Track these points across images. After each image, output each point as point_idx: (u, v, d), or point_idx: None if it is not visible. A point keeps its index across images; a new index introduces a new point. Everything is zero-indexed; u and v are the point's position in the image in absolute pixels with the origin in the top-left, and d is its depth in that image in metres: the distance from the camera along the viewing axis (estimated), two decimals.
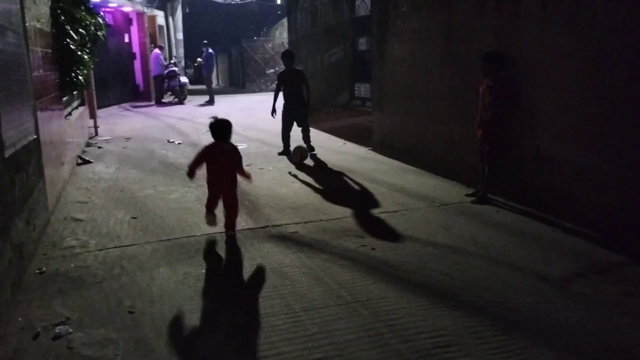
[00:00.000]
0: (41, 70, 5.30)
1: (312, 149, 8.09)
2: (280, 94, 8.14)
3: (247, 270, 3.75)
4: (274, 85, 22.58)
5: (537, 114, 4.87)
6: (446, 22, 6.08)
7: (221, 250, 4.16)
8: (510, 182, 5.29)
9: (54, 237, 4.50)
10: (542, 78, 4.79)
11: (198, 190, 6.01)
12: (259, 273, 3.70)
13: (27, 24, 4.63)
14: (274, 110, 8.12)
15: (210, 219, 4.50)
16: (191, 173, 4.46)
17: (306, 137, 8.13)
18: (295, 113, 7.96)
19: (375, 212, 5.10)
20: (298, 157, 7.45)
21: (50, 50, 6.00)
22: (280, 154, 8.10)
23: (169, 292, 3.43)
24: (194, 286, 3.50)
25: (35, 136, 4.55)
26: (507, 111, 5.12)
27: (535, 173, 4.97)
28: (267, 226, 4.71)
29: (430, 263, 3.83)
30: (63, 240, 4.41)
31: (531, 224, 4.64)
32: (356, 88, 12.47)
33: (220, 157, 4.53)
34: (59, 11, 6.59)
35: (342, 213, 5.07)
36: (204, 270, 3.75)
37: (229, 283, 3.55)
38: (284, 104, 8.04)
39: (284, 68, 8.20)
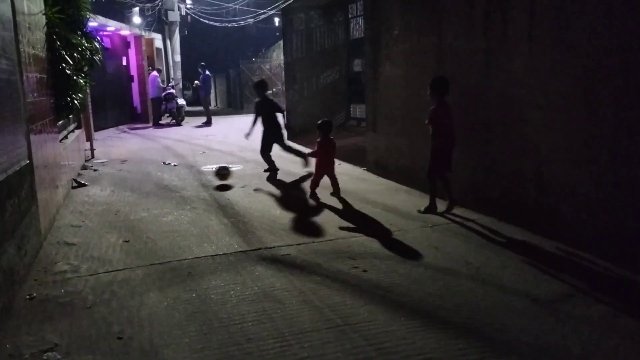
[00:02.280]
0: (35, 95, 5.36)
1: (302, 154, 8.39)
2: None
3: (238, 294, 3.74)
4: None
5: (526, 134, 4.91)
6: (437, 44, 6.16)
7: (213, 273, 4.16)
8: (501, 202, 5.31)
9: (45, 261, 4.50)
10: (530, 99, 4.84)
11: (192, 212, 6.03)
12: (250, 297, 3.69)
13: (21, 51, 4.70)
14: (249, 134, 8.79)
15: (316, 198, 6.51)
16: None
17: (287, 149, 8.66)
18: (273, 138, 8.53)
19: (369, 233, 5.10)
20: (219, 176, 7.71)
21: (45, 76, 6.06)
22: (266, 171, 8.54)
23: (159, 317, 3.42)
24: (184, 311, 3.49)
25: (28, 161, 4.57)
26: (436, 130, 5.51)
27: (524, 193, 4.99)
28: (260, 248, 4.71)
29: (421, 285, 3.83)
30: (55, 265, 4.41)
31: (522, 244, 4.64)
32: (352, 109, 12.58)
33: (329, 146, 6.64)
34: (54, 37, 6.68)
35: (335, 234, 5.08)
36: (194, 295, 3.74)
37: (219, 307, 3.54)
38: (263, 131, 8.58)
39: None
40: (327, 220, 5.60)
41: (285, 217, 5.76)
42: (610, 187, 4.15)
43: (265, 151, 8.55)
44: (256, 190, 7.17)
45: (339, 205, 6.22)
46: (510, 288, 3.75)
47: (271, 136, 8.50)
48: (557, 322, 3.24)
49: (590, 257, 4.25)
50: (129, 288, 3.91)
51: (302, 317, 3.37)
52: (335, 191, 6.63)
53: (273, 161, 8.56)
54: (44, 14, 6.36)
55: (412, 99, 6.74)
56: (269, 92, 22.91)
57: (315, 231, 5.20)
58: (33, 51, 5.43)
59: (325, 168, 6.62)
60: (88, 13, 8.40)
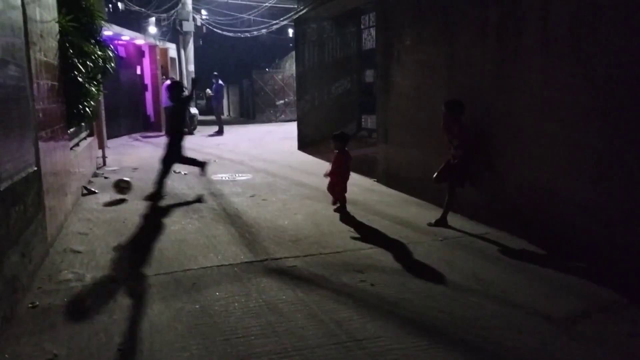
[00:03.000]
0: (46, 102, 5.36)
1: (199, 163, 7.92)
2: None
3: (242, 306, 3.67)
4: (283, 116, 22.97)
5: (541, 147, 4.80)
6: (449, 54, 6.09)
7: (218, 284, 4.09)
8: (513, 216, 5.20)
9: (50, 269, 4.46)
10: (545, 111, 4.74)
11: (199, 221, 5.98)
12: (254, 310, 3.62)
13: (31, 58, 4.70)
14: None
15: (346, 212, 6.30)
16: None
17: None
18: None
19: (377, 245, 5.01)
20: (117, 189, 7.42)
21: (56, 83, 6.08)
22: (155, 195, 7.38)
23: (161, 329, 3.35)
24: (187, 323, 3.42)
25: (35, 168, 4.56)
26: (472, 148, 5.54)
27: (537, 208, 4.87)
28: (266, 259, 4.64)
29: (430, 300, 3.72)
30: (59, 273, 4.37)
31: (534, 260, 4.52)
32: (363, 119, 12.51)
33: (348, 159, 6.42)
34: (67, 45, 6.72)
35: (343, 246, 4.99)
36: (198, 306, 3.67)
37: (223, 320, 3.46)
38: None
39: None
40: (335, 231, 5.51)
41: (293, 227, 5.69)
42: (627, 204, 4.03)
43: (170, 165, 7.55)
44: (264, 200, 7.11)
45: (348, 217, 6.13)
46: (523, 305, 3.63)
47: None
48: (572, 342, 3.12)
49: (606, 274, 4.11)
50: (133, 298, 3.85)
51: (307, 332, 3.28)
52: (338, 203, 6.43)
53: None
54: (57, 22, 6.39)
55: (424, 110, 6.66)
56: (284, 100, 23.14)
57: (323, 243, 5.12)
58: (45, 58, 5.45)
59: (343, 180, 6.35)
60: (102, 22, 8.46)
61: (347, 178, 6.39)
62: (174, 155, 7.58)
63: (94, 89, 7.90)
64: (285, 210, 6.51)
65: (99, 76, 8.40)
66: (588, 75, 4.29)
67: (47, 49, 5.65)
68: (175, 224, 5.91)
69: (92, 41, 8.07)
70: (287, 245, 5.06)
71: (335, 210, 6.32)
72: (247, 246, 5.03)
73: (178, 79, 21.11)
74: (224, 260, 4.61)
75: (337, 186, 6.37)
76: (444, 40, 6.15)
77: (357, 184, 8.18)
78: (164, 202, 7.04)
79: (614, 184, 4.13)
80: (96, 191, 7.82)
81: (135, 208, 6.72)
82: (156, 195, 7.27)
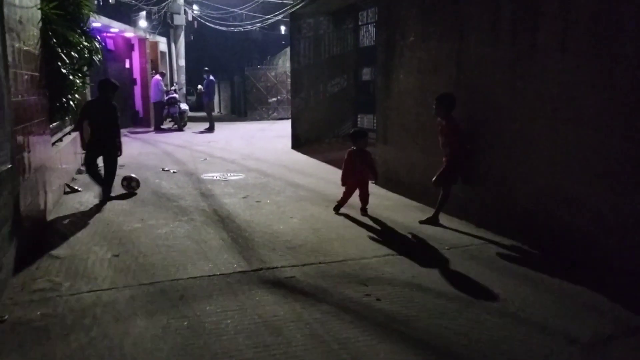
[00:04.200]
0: (24, 95, 4.96)
1: (110, 197, 6.78)
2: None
3: (236, 323, 3.31)
4: (275, 114, 22.58)
5: (555, 149, 4.49)
6: (457, 52, 5.76)
7: (208, 297, 3.72)
8: (525, 224, 4.88)
9: (25, 277, 4.08)
10: (562, 112, 4.42)
11: (189, 224, 5.61)
12: (249, 328, 3.26)
13: (7, 45, 4.30)
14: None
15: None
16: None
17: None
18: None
19: (380, 254, 4.67)
20: (126, 186, 7.19)
21: (37, 74, 5.66)
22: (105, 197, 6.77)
23: (144, 349, 2.99)
24: (173, 343, 3.06)
25: (10, 165, 4.17)
26: (461, 146, 5.40)
27: (553, 216, 4.56)
28: (261, 269, 4.28)
29: (443, 319, 3.39)
30: (34, 282, 3.98)
31: (551, 272, 4.19)
32: (359, 119, 12.16)
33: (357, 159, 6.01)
34: (50, 33, 6.30)
35: (344, 255, 4.65)
36: (186, 323, 3.31)
37: (214, 340, 3.11)
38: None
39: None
40: (334, 237, 5.17)
41: (289, 232, 5.33)
42: None
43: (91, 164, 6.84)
44: (257, 201, 6.74)
45: (348, 222, 5.78)
46: (544, 326, 3.31)
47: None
48: None
49: (632, 291, 3.80)
50: (113, 312, 3.48)
51: (307, 354, 2.94)
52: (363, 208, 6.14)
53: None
54: (39, 9, 5.97)
55: (427, 110, 6.32)
56: (277, 98, 22.71)
57: (323, 250, 4.77)
58: (24, 47, 5.04)
59: (355, 183, 6.12)
60: (89, 11, 8.04)
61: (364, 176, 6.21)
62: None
63: (78, 81, 7.49)
64: (280, 213, 6.15)
65: (85, 68, 8.01)
66: (611, 76, 3.98)
67: (27, 37, 5.23)
68: (163, 226, 5.53)
69: (78, 31, 7.67)
70: (284, 252, 4.70)
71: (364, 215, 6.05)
72: (240, 253, 4.67)
73: (168, 73, 20.67)
74: (215, 270, 4.24)
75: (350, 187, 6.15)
76: (452, 37, 5.82)
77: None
78: (152, 203, 6.65)
79: (636, 188, 3.82)
80: (79, 189, 7.41)
81: (120, 209, 6.33)
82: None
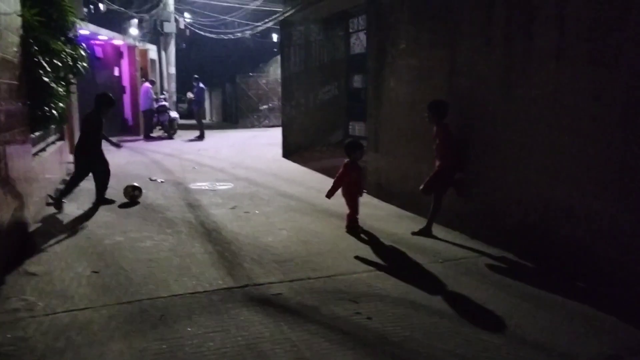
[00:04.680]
0: (2, 104, 4.76)
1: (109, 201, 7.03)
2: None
3: (218, 346, 3.12)
4: (267, 121, 22.42)
5: (551, 159, 4.35)
6: (449, 59, 5.63)
7: (190, 316, 3.53)
8: (520, 237, 4.73)
9: None
10: (560, 120, 4.29)
11: (174, 237, 5.41)
12: (232, 351, 3.07)
13: None
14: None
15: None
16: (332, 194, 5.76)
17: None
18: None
19: (372, 268, 4.50)
20: (129, 196, 7.11)
21: (17, 83, 5.46)
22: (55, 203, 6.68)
23: None
24: None
25: None
26: (452, 151, 5.30)
27: (549, 228, 4.41)
28: (247, 285, 4.09)
29: (438, 339, 3.21)
30: (7, 301, 3.77)
31: (550, 288, 4.04)
32: (350, 126, 12.02)
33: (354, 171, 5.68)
34: (31, 41, 6.11)
35: (334, 269, 4.47)
36: (165, 346, 3.11)
37: None
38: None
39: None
40: (324, 251, 4.99)
41: (278, 245, 5.15)
42: None
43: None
44: (246, 212, 6.56)
45: (338, 233, 5.61)
46: (544, 346, 3.15)
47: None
48: None
49: (632, 304, 3.65)
50: (89, 334, 3.28)
51: None
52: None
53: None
54: (19, 15, 5.79)
55: (420, 118, 6.18)
56: (269, 106, 22.57)
57: (312, 264, 4.58)
58: (1, 55, 4.85)
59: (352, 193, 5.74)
60: (74, 18, 7.86)
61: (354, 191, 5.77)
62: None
63: (61, 90, 7.29)
64: (269, 225, 5.97)
65: (70, 76, 7.82)
66: (608, 84, 3.85)
67: (5, 45, 5.04)
68: (146, 240, 5.33)
69: (62, 38, 7.49)
70: (272, 267, 4.51)
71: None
72: (226, 268, 4.48)
73: (158, 81, 20.49)
74: (199, 286, 4.05)
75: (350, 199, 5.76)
76: (444, 44, 5.69)
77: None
78: (136, 214, 6.45)
79: (636, 200, 3.68)
80: (63, 201, 7.18)
81: (103, 221, 6.12)
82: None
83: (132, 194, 7.15)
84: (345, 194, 5.74)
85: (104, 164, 7.07)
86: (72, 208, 6.77)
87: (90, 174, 7.03)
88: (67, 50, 7.35)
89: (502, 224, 4.97)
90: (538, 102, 4.48)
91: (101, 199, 7.06)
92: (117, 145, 7.74)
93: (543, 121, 4.44)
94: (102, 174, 7.07)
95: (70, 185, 6.95)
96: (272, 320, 3.46)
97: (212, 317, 3.51)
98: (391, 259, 4.77)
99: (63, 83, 7.38)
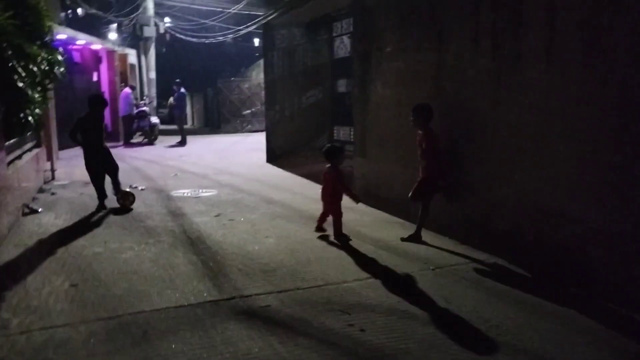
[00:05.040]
0: None
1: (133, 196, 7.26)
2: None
3: None
4: (250, 126, 22.22)
5: (542, 163, 4.28)
6: (436, 63, 5.55)
7: (175, 332, 3.37)
8: (512, 242, 4.66)
9: None
10: (548, 125, 4.22)
11: (156, 247, 5.23)
12: None
13: None
14: None
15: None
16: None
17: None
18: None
19: (362, 277, 4.38)
20: (128, 201, 7.07)
21: None
22: (98, 208, 6.97)
23: None
24: None
25: None
26: (436, 156, 5.22)
27: (541, 234, 4.34)
28: (234, 297, 3.94)
29: (434, 351, 3.10)
30: None
31: (544, 295, 3.95)
32: (335, 131, 11.91)
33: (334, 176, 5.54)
34: (5, 45, 5.88)
35: (323, 278, 4.33)
36: None
37: None
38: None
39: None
40: (313, 259, 4.85)
41: (264, 254, 5.00)
42: None
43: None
44: (231, 220, 6.39)
45: (326, 241, 5.48)
46: (541, 356, 3.05)
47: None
48: None
49: (629, 312, 3.58)
50: (67, 354, 3.10)
51: None
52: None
53: (106, 196, 7.19)
54: None
55: (407, 122, 6.08)
56: (251, 110, 22.36)
57: (301, 274, 4.45)
58: None
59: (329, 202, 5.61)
60: (51, 22, 7.64)
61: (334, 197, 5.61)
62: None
63: (38, 96, 7.06)
64: (254, 233, 5.81)
65: (47, 82, 7.58)
66: (600, 87, 3.79)
67: None
68: (127, 250, 5.14)
69: (38, 43, 7.27)
70: (259, 277, 4.36)
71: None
72: (211, 279, 4.32)
73: (138, 86, 20.18)
74: (183, 299, 3.88)
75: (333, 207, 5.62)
76: (432, 47, 5.61)
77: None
78: (116, 223, 6.24)
79: (630, 204, 3.62)
80: (39, 210, 6.94)
81: (82, 231, 5.90)
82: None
83: (125, 200, 7.08)
84: (324, 198, 5.67)
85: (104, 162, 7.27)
86: (50, 218, 6.54)
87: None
88: (43, 54, 7.14)
89: (493, 229, 4.90)
90: (527, 106, 4.41)
91: (117, 188, 7.29)
92: None
93: (532, 126, 4.37)
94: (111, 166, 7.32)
95: (98, 188, 7.15)
96: (261, 335, 3.32)
97: (197, 333, 3.35)
98: (381, 266, 4.65)
99: (39, 89, 7.15)
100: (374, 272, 4.51)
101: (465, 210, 5.24)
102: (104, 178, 7.22)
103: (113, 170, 7.33)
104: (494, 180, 4.86)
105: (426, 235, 5.41)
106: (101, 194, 7.14)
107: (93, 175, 7.16)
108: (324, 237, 5.55)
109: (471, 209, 5.16)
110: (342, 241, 5.41)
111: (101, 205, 7.05)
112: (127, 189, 7.33)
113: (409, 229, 5.69)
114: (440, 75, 5.52)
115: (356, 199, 5.62)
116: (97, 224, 6.26)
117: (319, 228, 5.75)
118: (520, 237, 4.57)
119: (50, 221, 6.39)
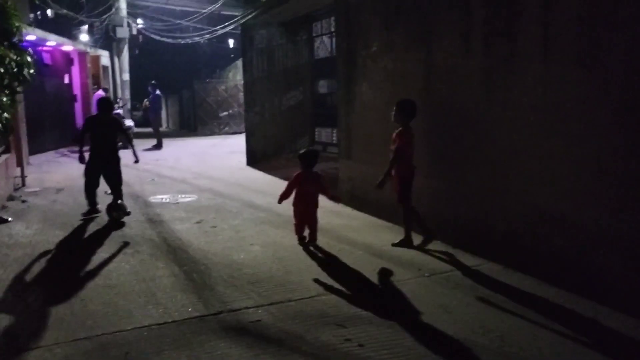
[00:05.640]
0: None
1: (124, 210, 6.58)
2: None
3: None
4: (227, 128, 21.85)
5: (539, 164, 4.15)
6: (424, 62, 5.40)
7: (159, 353, 3.11)
8: (508, 246, 4.51)
9: None
10: (545, 126, 4.09)
11: (135, 258, 4.95)
12: None
13: None
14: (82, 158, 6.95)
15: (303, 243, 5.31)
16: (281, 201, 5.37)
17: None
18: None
19: (356, 286, 4.18)
20: (117, 213, 6.40)
21: None
22: (85, 214, 6.66)
23: None
24: None
25: None
26: (406, 154, 5.03)
27: (540, 237, 4.21)
28: (221, 312, 3.70)
29: None
30: None
31: (546, 303, 3.81)
32: (317, 133, 11.73)
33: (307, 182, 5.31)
34: None
35: (315, 289, 4.12)
36: None
37: None
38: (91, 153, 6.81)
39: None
40: (302, 267, 4.64)
41: (251, 263, 4.77)
42: None
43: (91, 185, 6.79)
44: (213, 227, 6.13)
45: (315, 248, 5.27)
46: None
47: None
48: None
49: (634, 319, 3.46)
50: None
51: None
52: (311, 239, 5.38)
53: (96, 203, 6.83)
54: None
55: (394, 123, 5.93)
56: (228, 112, 21.99)
57: (290, 284, 4.23)
58: None
59: (302, 211, 5.38)
60: (19, 23, 7.27)
61: (311, 205, 5.40)
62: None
63: (5, 99, 6.70)
64: (239, 240, 5.57)
65: (16, 84, 7.22)
66: (601, 83, 3.67)
67: None
68: (104, 261, 4.85)
69: (6, 43, 6.91)
70: (246, 289, 4.13)
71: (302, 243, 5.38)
72: (195, 292, 4.07)
73: (111, 88, 19.67)
74: (166, 316, 3.62)
75: (294, 212, 5.46)
76: (420, 45, 5.45)
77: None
78: (91, 233, 5.93)
79: (636, 207, 3.50)
80: (9, 219, 6.57)
81: (54, 241, 5.58)
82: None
83: (117, 213, 6.42)
84: (309, 206, 5.39)
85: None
86: (20, 228, 6.19)
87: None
88: (11, 56, 6.79)
89: (487, 233, 4.75)
90: (522, 106, 4.28)
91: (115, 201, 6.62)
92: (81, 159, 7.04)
93: (528, 126, 4.24)
94: (113, 176, 6.82)
95: (87, 194, 6.78)
96: (253, 353, 3.09)
97: (183, 353, 3.11)
98: (374, 274, 4.45)
99: (7, 92, 6.79)
100: (367, 280, 4.32)
101: (457, 213, 5.09)
102: (96, 186, 6.80)
103: (114, 182, 6.79)
104: (487, 181, 4.71)
105: (415, 239, 5.23)
106: (90, 200, 6.78)
107: (86, 179, 6.76)
108: (308, 244, 5.33)
109: (463, 211, 5.02)
110: (316, 247, 5.24)
111: (89, 212, 6.68)
112: (119, 202, 6.66)
113: (397, 232, 5.52)
114: (428, 74, 5.37)
115: (339, 199, 5.59)
116: (72, 233, 5.93)
117: (302, 239, 5.41)
118: (518, 241, 4.43)
119: (20, 231, 6.04)
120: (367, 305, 3.78)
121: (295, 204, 5.39)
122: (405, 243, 5.21)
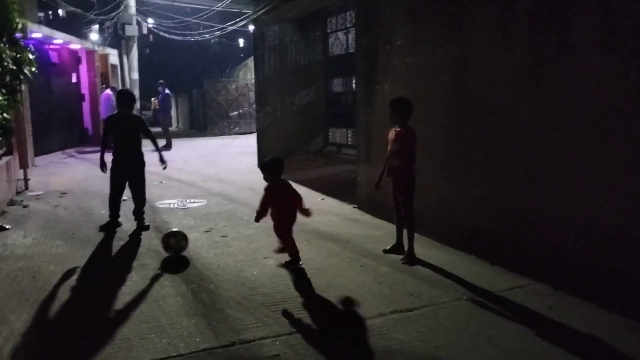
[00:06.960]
0: None
1: (145, 227, 6.00)
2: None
3: None
4: (237, 128, 21.44)
5: (594, 173, 3.64)
6: (458, 57, 4.89)
7: None
8: (558, 265, 4.00)
9: None
10: (603, 127, 3.57)
11: (138, 274, 4.50)
12: None
13: None
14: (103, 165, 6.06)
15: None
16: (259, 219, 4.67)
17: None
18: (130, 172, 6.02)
19: (385, 310, 3.67)
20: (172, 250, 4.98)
21: None
22: (102, 228, 5.94)
23: None
24: None
25: None
26: (414, 157, 4.71)
27: (599, 255, 3.69)
28: (234, 343, 3.22)
29: None
30: None
31: (609, 334, 3.30)
32: (330, 133, 11.24)
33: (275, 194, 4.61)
34: None
35: (340, 315, 3.63)
36: None
37: None
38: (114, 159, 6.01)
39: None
40: (322, 287, 4.14)
41: (265, 281, 4.29)
42: None
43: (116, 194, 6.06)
44: (223, 236, 5.67)
45: (334, 262, 4.78)
46: None
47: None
48: None
49: None
50: None
51: None
52: (289, 261, 4.66)
53: (118, 215, 6.14)
54: None
55: (421, 124, 5.42)
56: (239, 112, 21.58)
57: (312, 308, 3.74)
58: None
59: (274, 226, 4.76)
60: (21, 19, 6.86)
61: (282, 218, 4.68)
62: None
63: (2, 98, 6.29)
64: (251, 253, 5.10)
65: (16, 82, 6.81)
66: None
67: None
68: (103, 278, 4.40)
69: (4, 39, 6.51)
70: (261, 313, 3.65)
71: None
72: (204, 317, 3.59)
73: (120, 87, 19.32)
74: (171, 348, 3.15)
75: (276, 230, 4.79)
76: (451, 38, 4.95)
77: (334, 211, 6.88)
78: (93, 242, 5.48)
79: None
80: (7, 227, 6.15)
81: (53, 252, 5.14)
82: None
83: (168, 244, 4.97)
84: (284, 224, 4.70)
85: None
86: (18, 237, 5.76)
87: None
88: (8, 52, 6.37)
89: (532, 248, 4.24)
90: (577, 106, 3.76)
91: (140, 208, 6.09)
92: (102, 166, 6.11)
93: (585, 128, 3.72)
94: (140, 182, 6.14)
95: (111, 202, 6.08)
96: None
97: None
98: (405, 296, 3.95)
99: (4, 91, 6.38)
100: (398, 302, 3.81)
101: (494, 225, 4.58)
102: (121, 195, 6.07)
103: (140, 188, 6.09)
104: (530, 191, 4.20)
105: (445, 252, 4.73)
106: (113, 211, 6.02)
107: (112, 183, 6.01)
108: (287, 265, 4.65)
109: (503, 223, 4.51)
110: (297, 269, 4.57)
111: (109, 224, 5.94)
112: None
113: (425, 245, 5.05)
114: (461, 70, 4.86)
115: (310, 213, 4.59)
116: (73, 242, 5.49)
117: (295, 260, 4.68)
118: (571, 260, 3.91)
119: (17, 240, 5.61)
120: (399, 337, 3.28)
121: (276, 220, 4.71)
122: (397, 249, 4.97)
